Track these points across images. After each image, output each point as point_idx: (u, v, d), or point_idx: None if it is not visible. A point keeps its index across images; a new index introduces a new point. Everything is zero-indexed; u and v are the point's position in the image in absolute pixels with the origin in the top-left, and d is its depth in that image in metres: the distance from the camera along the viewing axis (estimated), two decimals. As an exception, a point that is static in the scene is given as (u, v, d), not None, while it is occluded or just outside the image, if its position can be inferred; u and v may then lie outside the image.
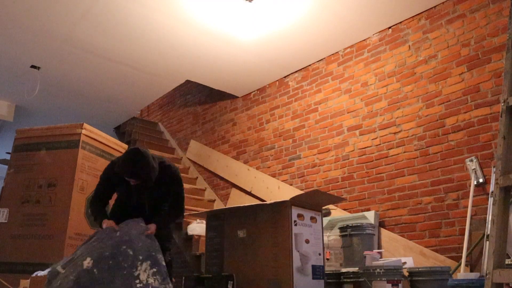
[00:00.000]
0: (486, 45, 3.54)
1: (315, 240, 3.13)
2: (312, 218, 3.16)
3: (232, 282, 2.95)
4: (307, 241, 3.06)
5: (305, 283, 2.92)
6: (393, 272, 3.00)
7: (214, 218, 3.41)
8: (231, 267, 3.16)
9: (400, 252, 3.68)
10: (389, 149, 4.03)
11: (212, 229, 3.40)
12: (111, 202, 2.92)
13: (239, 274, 3.04)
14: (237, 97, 5.97)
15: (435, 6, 3.94)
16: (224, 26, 4.26)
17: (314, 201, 3.20)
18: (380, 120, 4.16)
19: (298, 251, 2.93)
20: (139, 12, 4.04)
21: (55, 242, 3.09)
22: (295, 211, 3.01)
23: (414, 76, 3.99)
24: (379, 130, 4.15)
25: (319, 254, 3.14)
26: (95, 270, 2.29)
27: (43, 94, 5.84)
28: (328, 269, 3.53)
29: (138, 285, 2.31)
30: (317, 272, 3.06)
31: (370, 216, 3.88)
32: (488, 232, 2.90)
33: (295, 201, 3.03)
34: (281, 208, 3.02)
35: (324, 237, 3.71)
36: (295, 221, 3.00)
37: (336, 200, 3.73)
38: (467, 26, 3.69)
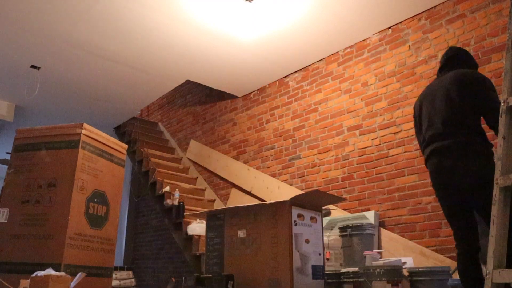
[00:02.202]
0: (486, 45, 3.53)
1: (315, 240, 3.13)
2: (312, 218, 3.16)
3: (232, 282, 2.95)
4: (307, 241, 3.06)
5: (305, 283, 2.92)
6: (393, 272, 3.00)
7: (214, 218, 3.42)
8: (231, 267, 3.16)
9: (400, 252, 3.68)
10: (389, 149, 4.03)
11: (212, 229, 3.40)
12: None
13: (239, 274, 3.04)
14: (237, 97, 5.97)
15: (435, 6, 3.94)
16: (224, 26, 4.26)
17: (314, 201, 3.20)
18: (380, 120, 4.16)
19: (298, 251, 2.93)
20: (139, 12, 4.04)
21: (55, 242, 3.08)
22: (295, 211, 3.01)
23: (414, 76, 3.98)
24: (379, 130, 4.15)
25: (319, 254, 3.14)
26: None
27: (43, 94, 5.84)
28: (328, 269, 3.53)
29: None
30: (317, 272, 3.06)
31: (370, 216, 3.88)
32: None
33: (295, 201, 3.03)
34: (281, 208, 3.02)
35: (324, 237, 3.71)
36: (295, 221, 3.00)
37: (336, 200, 3.72)
38: (467, 26, 3.68)
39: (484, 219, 2.15)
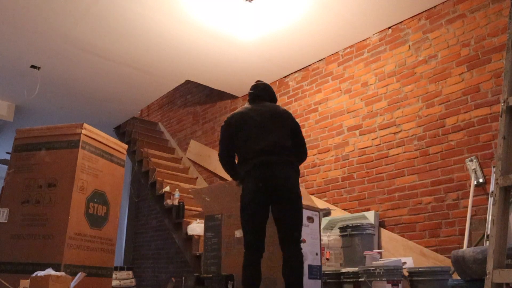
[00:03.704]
0: (486, 45, 3.53)
1: (312, 240, 3.13)
2: (309, 218, 3.16)
3: (232, 282, 2.95)
4: (303, 241, 3.06)
5: None
6: (393, 272, 3.00)
7: (212, 219, 3.42)
8: (228, 267, 3.17)
9: (400, 252, 3.68)
10: (389, 149, 4.03)
11: (210, 229, 3.41)
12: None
13: (236, 273, 3.04)
14: (237, 97, 5.97)
15: (435, 6, 3.94)
16: (224, 26, 4.26)
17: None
18: (380, 120, 4.16)
19: None
20: (139, 12, 4.04)
21: (55, 242, 3.08)
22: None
23: (414, 76, 3.98)
24: (379, 130, 4.15)
25: (316, 254, 3.13)
26: None
27: (43, 94, 5.84)
28: (328, 269, 3.53)
29: None
30: (314, 271, 3.06)
31: (370, 216, 3.88)
32: (488, 232, 2.90)
33: None
34: None
35: (324, 237, 3.71)
36: None
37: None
38: (467, 26, 3.68)
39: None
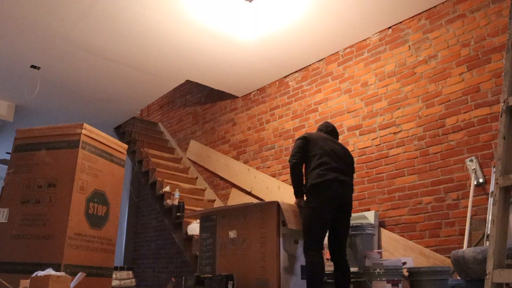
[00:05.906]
0: (486, 45, 3.54)
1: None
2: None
3: (232, 282, 2.95)
4: (296, 242, 3.06)
5: (293, 283, 2.92)
6: (393, 272, 3.00)
7: (207, 219, 3.43)
8: (222, 267, 3.17)
9: (400, 252, 3.68)
10: (389, 149, 4.03)
11: (205, 229, 3.41)
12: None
13: (230, 273, 3.04)
14: (237, 97, 5.97)
15: (435, 6, 3.94)
16: (224, 26, 4.26)
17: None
18: (380, 120, 4.16)
19: (286, 251, 2.93)
20: (139, 12, 4.04)
21: (55, 242, 3.08)
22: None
23: (414, 76, 3.99)
24: (379, 130, 4.15)
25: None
26: None
27: (43, 94, 5.84)
28: (328, 269, 3.52)
29: None
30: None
31: (370, 216, 3.88)
32: (488, 232, 2.90)
33: (284, 202, 3.04)
34: (269, 208, 3.02)
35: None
36: (283, 221, 2.99)
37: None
38: (467, 26, 3.69)
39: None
